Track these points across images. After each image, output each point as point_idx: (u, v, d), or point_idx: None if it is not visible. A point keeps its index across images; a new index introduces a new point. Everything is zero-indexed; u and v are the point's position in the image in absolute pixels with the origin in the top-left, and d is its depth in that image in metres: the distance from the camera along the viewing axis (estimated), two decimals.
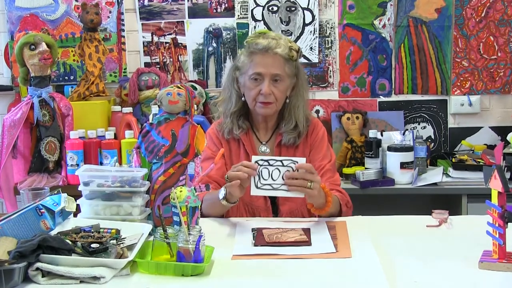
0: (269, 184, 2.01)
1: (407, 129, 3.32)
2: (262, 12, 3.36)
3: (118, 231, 1.74)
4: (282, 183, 2.00)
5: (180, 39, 3.41)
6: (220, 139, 2.34)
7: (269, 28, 3.35)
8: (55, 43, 2.97)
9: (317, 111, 3.39)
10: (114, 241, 1.68)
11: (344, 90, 3.39)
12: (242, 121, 2.33)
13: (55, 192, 1.81)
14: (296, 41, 3.34)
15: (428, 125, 3.39)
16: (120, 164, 2.67)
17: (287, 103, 2.32)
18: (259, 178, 2.00)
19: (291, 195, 2.02)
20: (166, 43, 3.41)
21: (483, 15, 3.30)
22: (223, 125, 2.34)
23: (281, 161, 2.00)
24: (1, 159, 2.79)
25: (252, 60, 2.26)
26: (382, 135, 3.15)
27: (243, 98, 2.32)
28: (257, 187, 2.01)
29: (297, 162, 2.00)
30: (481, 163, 2.99)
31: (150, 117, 2.72)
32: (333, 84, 3.39)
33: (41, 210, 1.68)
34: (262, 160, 2.01)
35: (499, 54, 3.32)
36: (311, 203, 2.06)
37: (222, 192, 2.04)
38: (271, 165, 2.00)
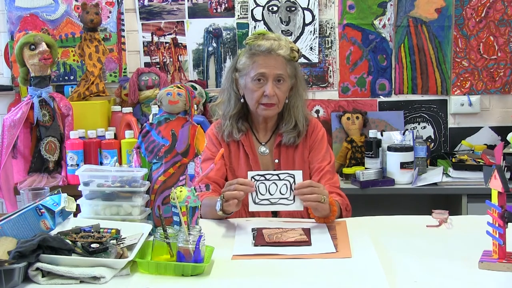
0: (267, 199, 2.00)
1: (407, 129, 3.32)
2: (262, 12, 3.36)
3: (118, 231, 1.74)
4: (280, 197, 2.00)
5: (180, 39, 3.41)
6: (220, 141, 2.33)
7: (269, 28, 3.35)
8: (55, 43, 2.97)
9: (317, 111, 3.39)
10: (114, 241, 1.68)
11: (344, 90, 3.39)
12: (241, 123, 2.33)
13: (55, 192, 1.81)
14: (296, 41, 3.34)
15: (428, 125, 3.39)
16: (120, 164, 2.67)
17: (286, 103, 2.32)
18: (257, 194, 2.00)
19: (290, 208, 2.02)
20: (166, 43, 3.41)
21: (483, 15, 3.30)
22: (222, 127, 2.33)
23: (277, 175, 2.00)
24: (1, 159, 2.79)
25: (254, 61, 2.25)
26: (382, 135, 3.15)
27: (242, 100, 2.32)
28: (255, 202, 2.01)
29: (293, 175, 2.00)
30: (481, 163, 2.98)
31: (150, 117, 2.72)
32: (333, 84, 3.39)
33: (41, 210, 1.68)
34: (258, 175, 2.01)
35: (499, 54, 3.32)
36: (316, 215, 2.05)
37: (218, 204, 2.03)
38: (268, 180, 2.00)
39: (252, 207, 2.01)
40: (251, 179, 2.00)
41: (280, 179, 2.00)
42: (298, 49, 2.30)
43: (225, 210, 2.03)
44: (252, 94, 2.26)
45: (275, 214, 2.24)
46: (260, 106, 2.27)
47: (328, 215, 2.04)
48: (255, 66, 2.25)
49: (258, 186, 2.00)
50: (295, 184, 2.00)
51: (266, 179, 2.00)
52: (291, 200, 2.00)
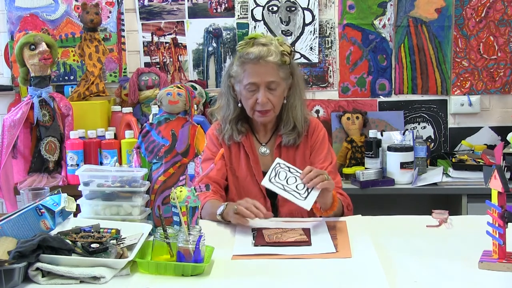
0: (282, 184, 2.02)
1: (407, 129, 3.32)
2: (262, 12, 3.36)
3: (118, 231, 1.74)
4: (294, 189, 2.01)
5: (180, 39, 3.41)
6: (222, 142, 2.33)
7: (269, 28, 3.35)
8: (55, 43, 2.97)
9: (317, 111, 3.39)
10: (114, 241, 1.68)
11: (344, 90, 3.39)
12: (241, 125, 2.32)
13: (55, 192, 1.81)
14: (296, 41, 3.34)
15: (428, 125, 3.39)
16: (120, 164, 2.67)
17: (284, 103, 2.31)
18: (275, 176, 2.03)
19: (298, 203, 2.00)
20: (166, 43, 3.41)
21: (483, 15, 3.30)
22: (222, 131, 2.33)
23: (301, 173, 2.04)
24: (1, 159, 2.79)
25: (245, 70, 2.24)
26: (382, 135, 3.15)
27: (239, 104, 2.32)
28: (270, 180, 2.03)
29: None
30: (481, 163, 2.98)
31: (150, 117, 2.72)
32: (333, 84, 3.39)
33: (41, 210, 1.68)
34: (284, 164, 2.05)
35: (499, 54, 3.32)
36: (319, 203, 2.06)
37: (221, 208, 2.05)
38: (290, 172, 2.04)
39: (265, 182, 2.03)
40: (277, 165, 2.04)
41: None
42: (291, 52, 2.26)
43: (224, 217, 2.04)
44: (246, 102, 2.26)
45: (275, 214, 2.24)
46: (256, 113, 2.27)
47: (330, 205, 2.06)
48: (246, 75, 2.24)
49: (279, 171, 2.02)
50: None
51: (289, 171, 2.04)
52: (303, 197, 2.00)
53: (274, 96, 2.24)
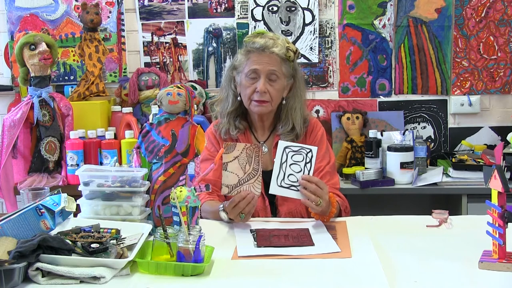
0: (286, 161, 2.03)
1: (407, 129, 3.32)
2: (262, 12, 3.36)
3: (118, 231, 1.74)
4: (286, 172, 2.03)
5: (180, 39, 3.41)
6: (218, 139, 2.33)
7: (269, 28, 3.35)
8: (55, 43, 2.97)
9: (317, 111, 3.39)
10: (114, 241, 1.68)
11: (344, 90, 3.39)
12: (239, 122, 2.32)
13: (55, 192, 1.81)
14: (296, 41, 3.34)
15: (428, 125, 3.39)
16: (120, 164, 2.67)
17: (283, 104, 2.31)
18: (293, 152, 2.04)
19: (272, 182, 2.03)
20: (166, 43, 3.41)
21: (483, 15, 3.30)
22: (219, 125, 2.34)
23: (302, 148, 2.05)
24: (1, 159, 2.79)
25: (249, 58, 2.26)
26: (382, 135, 3.15)
27: (239, 98, 2.32)
28: (286, 147, 2.05)
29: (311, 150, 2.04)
30: (481, 163, 2.98)
31: (150, 117, 2.72)
32: (333, 84, 3.39)
33: (41, 210, 1.68)
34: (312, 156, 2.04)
35: (499, 54, 3.32)
36: (312, 210, 2.06)
37: (222, 204, 2.07)
38: (306, 163, 2.04)
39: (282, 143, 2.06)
40: (283, 150, 2.04)
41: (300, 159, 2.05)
42: (296, 50, 2.29)
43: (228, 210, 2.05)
44: (245, 90, 2.27)
45: (274, 213, 2.24)
46: (253, 103, 2.27)
47: (325, 214, 2.05)
48: (249, 63, 2.26)
49: (300, 153, 2.03)
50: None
51: (307, 162, 2.04)
52: (281, 184, 2.03)
53: (273, 89, 2.24)
